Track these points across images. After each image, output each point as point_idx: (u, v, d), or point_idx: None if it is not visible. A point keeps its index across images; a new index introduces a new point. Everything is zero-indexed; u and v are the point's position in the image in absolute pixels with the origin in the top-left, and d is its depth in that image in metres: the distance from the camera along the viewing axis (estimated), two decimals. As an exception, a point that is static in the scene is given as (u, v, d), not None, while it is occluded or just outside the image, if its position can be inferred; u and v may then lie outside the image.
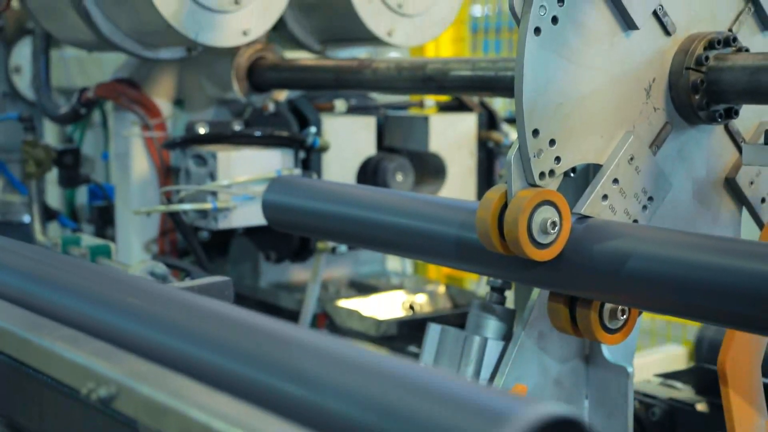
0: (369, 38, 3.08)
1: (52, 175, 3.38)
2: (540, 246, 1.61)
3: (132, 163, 3.10)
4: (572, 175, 1.76)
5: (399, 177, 2.94)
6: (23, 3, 3.16)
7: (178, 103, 3.22)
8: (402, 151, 3.07)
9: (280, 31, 3.11)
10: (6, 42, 3.70)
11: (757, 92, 1.74)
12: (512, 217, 1.61)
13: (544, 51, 1.64)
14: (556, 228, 1.62)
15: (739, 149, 1.93)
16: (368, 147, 2.98)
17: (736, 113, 1.84)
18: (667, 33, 1.79)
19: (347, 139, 2.93)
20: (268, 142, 2.82)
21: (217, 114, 3.20)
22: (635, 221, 1.79)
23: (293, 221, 2.22)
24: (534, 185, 1.64)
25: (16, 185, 3.66)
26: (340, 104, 2.99)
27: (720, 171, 1.92)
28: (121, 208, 3.20)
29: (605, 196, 1.71)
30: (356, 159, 2.95)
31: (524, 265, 1.69)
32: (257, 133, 2.83)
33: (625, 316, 1.71)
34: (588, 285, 1.65)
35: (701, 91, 1.78)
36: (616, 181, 1.72)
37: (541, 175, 1.65)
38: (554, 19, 1.65)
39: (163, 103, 3.13)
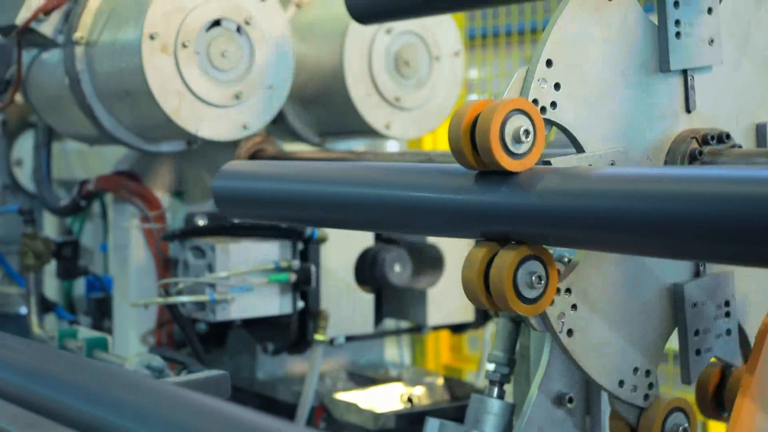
0: (367, 131, 3.12)
1: (51, 266, 3.38)
2: (513, 155, 1.58)
3: (131, 254, 3.10)
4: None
5: (397, 268, 2.95)
6: (26, 98, 3.21)
7: (178, 194, 3.24)
8: (400, 242, 3.08)
9: (279, 124, 3.15)
10: (8, 135, 3.74)
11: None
12: (486, 118, 1.58)
13: (585, 11, 1.71)
14: (530, 137, 1.59)
15: None
16: (366, 238, 3.00)
17: None
18: (687, 109, 1.83)
19: (345, 230, 2.94)
20: (266, 233, 2.83)
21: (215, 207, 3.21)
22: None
23: (248, 208, 2.20)
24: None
25: (13, 277, 3.66)
26: (338, 196, 3.00)
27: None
28: (118, 299, 3.19)
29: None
30: (354, 250, 2.97)
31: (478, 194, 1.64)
32: (256, 225, 2.84)
33: (542, 283, 1.63)
34: (531, 222, 1.59)
35: (697, 162, 1.81)
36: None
37: (535, 102, 1.67)
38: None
39: (162, 194, 3.15)
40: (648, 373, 1.83)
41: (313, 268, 2.81)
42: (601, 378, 1.79)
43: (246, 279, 2.74)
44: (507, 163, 1.58)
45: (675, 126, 1.84)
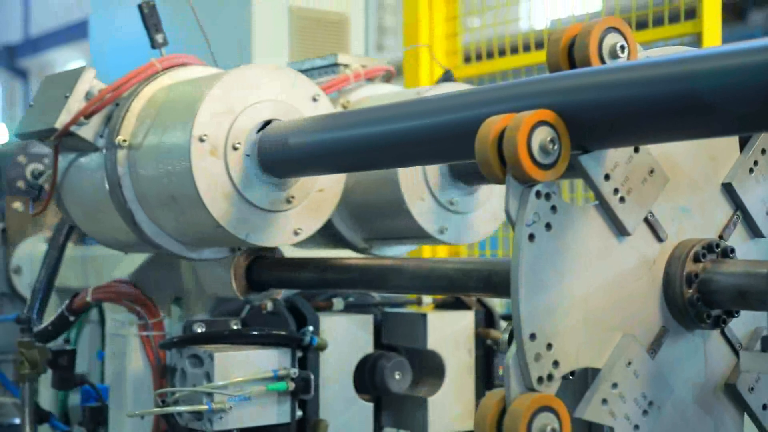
0: (419, 236, 2.96)
1: (46, 375, 3.34)
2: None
3: (127, 362, 3.06)
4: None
5: (397, 375, 2.90)
6: (60, 203, 3.06)
7: (177, 301, 3.22)
8: (400, 349, 3.03)
9: (322, 228, 2.94)
10: (8, 243, 3.76)
11: (748, 296, 1.77)
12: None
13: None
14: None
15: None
16: (366, 345, 2.94)
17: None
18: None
19: (345, 337, 2.89)
20: (265, 341, 2.78)
21: (215, 312, 3.19)
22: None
23: (293, 166, 2.32)
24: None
25: (8, 386, 3.62)
26: (337, 302, 2.98)
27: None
28: (114, 409, 3.14)
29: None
30: (354, 357, 2.91)
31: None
32: (254, 333, 2.81)
33: (556, 148, 1.62)
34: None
35: (694, 285, 1.80)
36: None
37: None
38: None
39: (161, 301, 3.12)
40: (557, 364, 1.69)
41: (311, 376, 2.76)
42: (523, 311, 1.65)
43: (244, 388, 2.69)
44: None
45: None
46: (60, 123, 2.72)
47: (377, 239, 3.13)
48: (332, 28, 4.13)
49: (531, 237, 1.66)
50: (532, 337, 1.65)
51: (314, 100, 2.76)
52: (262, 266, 2.96)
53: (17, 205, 3.62)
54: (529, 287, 1.65)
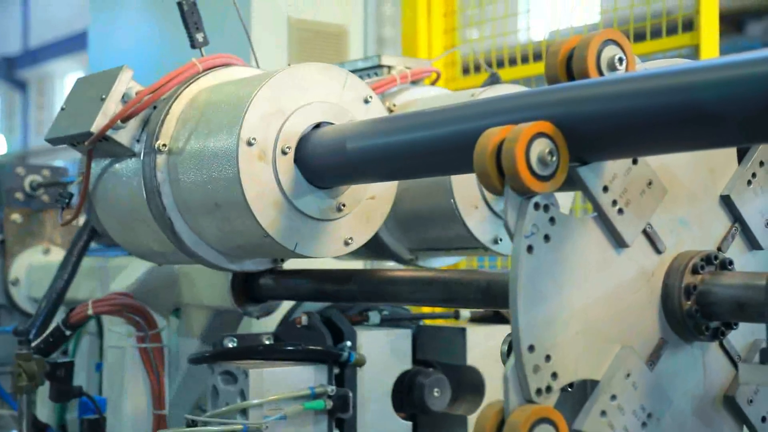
0: (471, 246, 2.87)
1: (44, 387, 3.25)
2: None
3: (125, 374, 3.01)
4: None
5: (436, 393, 2.82)
6: (90, 211, 2.90)
7: (176, 312, 3.16)
8: (436, 365, 2.94)
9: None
10: (6, 255, 3.67)
11: (746, 308, 1.81)
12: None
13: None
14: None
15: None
16: (404, 361, 2.86)
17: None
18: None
19: (383, 353, 2.81)
20: (301, 357, 2.70)
21: (212, 324, 3.12)
22: None
23: (352, 172, 2.26)
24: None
25: (5, 399, 3.53)
26: (373, 316, 2.90)
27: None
28: (112, 421, 3.08)
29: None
30: (392, 374, 2.83)
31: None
32: (290, 348, 2.72)
33: (554, 160, 1.64)
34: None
35: (693, 296, 1.84)
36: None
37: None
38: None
39: (160, 312, 3.06)
40: (555, 375, 1.70)
41: (350, 394, 2.68)
42: (521, 323, 1.66)
43: (280, 406, 2.61)
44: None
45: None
46: (96, 127, 2.55)
47: (424, 250, 3.01)
48: (331, 40, 4.11)
49: (529, 248, 1.67)
50: (531, 348, 1.66)
51: (366, 102, 2.61)
52: (260, 277, 2.89)
53: (15, 216, 3.55)
54: (527, 299, 1.66)
